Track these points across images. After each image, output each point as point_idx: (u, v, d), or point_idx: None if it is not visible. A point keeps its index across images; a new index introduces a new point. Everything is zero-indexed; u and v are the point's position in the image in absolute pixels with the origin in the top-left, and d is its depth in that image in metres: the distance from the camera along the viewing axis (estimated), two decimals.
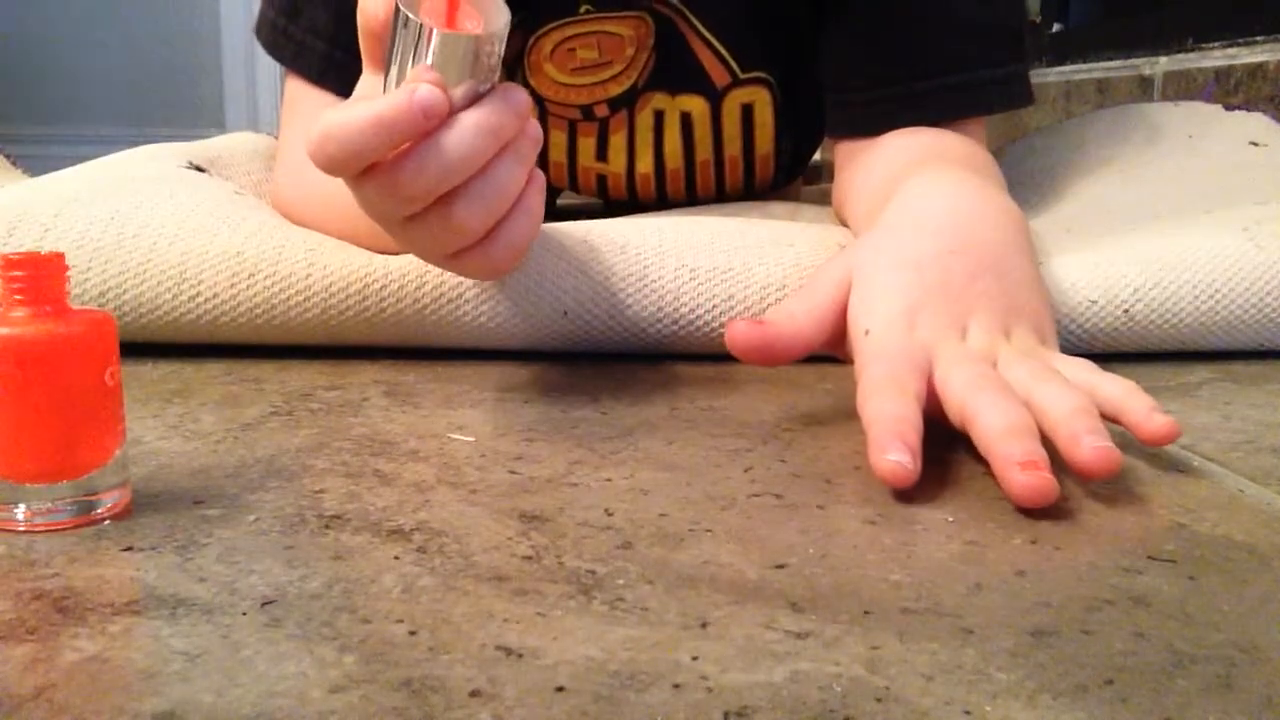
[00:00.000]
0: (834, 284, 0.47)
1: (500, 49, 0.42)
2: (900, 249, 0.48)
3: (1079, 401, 0.39)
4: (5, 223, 0.56)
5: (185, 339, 0.56)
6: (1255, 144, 0.77)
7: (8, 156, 0.92)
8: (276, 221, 0.59)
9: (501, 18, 0.42)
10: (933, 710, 0.24)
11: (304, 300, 0.55)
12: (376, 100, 0.39)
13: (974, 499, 0.37)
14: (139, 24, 3.12)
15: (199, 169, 0.69)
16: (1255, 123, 0.82)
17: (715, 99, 0.73)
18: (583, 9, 0.68)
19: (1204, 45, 1.03)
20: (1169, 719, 0.24)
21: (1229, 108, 0.88)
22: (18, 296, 0.34)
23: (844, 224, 0.66)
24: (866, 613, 0.29)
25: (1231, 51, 0.99)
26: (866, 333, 0.44)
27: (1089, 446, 0.37)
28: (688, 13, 0.69)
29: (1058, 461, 0.37)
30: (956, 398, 0.40)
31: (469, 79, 0.41)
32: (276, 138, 0.93)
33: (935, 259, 0.46)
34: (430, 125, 0.39)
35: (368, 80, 0.44)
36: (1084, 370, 0.43)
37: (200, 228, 0.56)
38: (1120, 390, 0.41)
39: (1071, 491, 0.38)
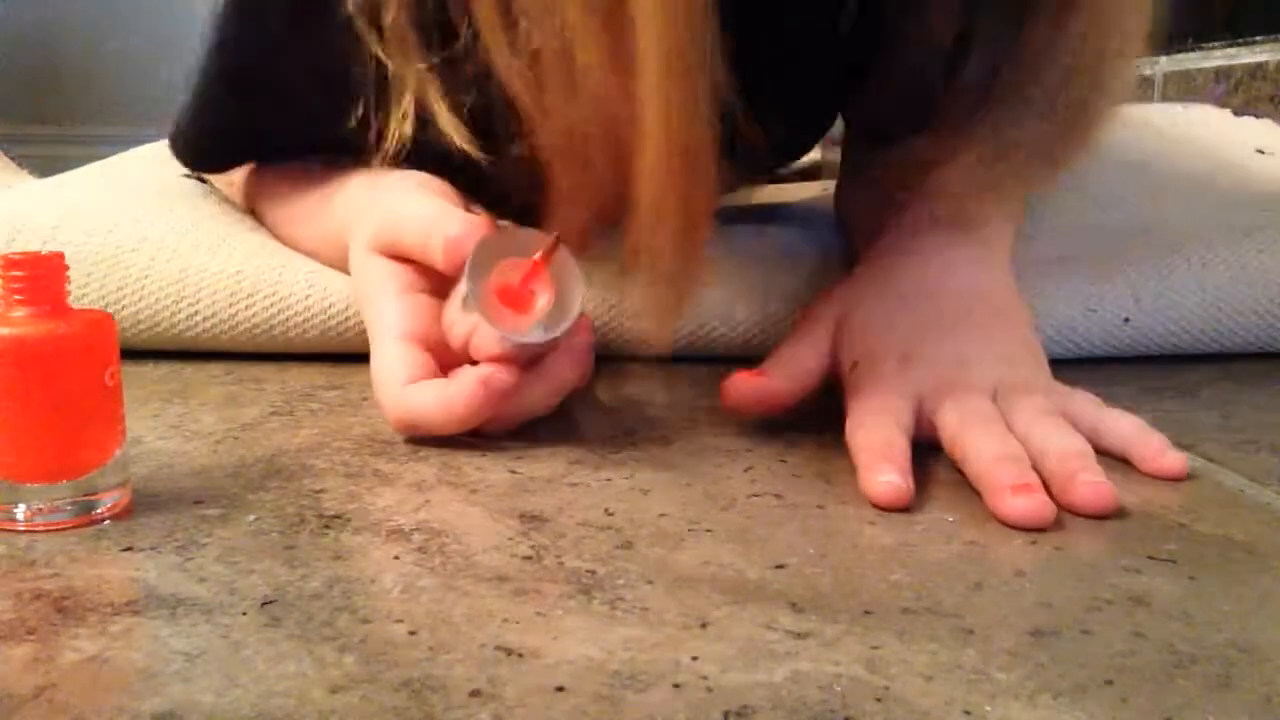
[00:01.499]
0: (825, 325, 0.47)
1: (566, 327, 0.42)
2: (889, 287, 0.48)
3: (1074, 443, 0.39)
4: (4, 234, 0.56)
5: (184, 349, 0.56)
6: (1262, 152, 0.77)
7: (12, 158, 0.92)
8: (276, 240, 0.59)
9: (574, 299, 0.42)
10: (933, 710, 0.24)
11: (303, 321, 0.55)
12: (452, 391, 0.41)
13: (974, 499, 0.37)
14: (139, 24, 3.12)
15: (200, 179, 0.69)
16: (1263, 129, 0.82)
17: None
18: None
19: (1204, 45, 1.03)
20: (1169, 719, 0.24)
21: (1238, 112, 0.88)
22: (18, 297, 0.34)
23: (841, 219, 0.65)
24: (866, 613, 0.29)
25: (1231, 51, 0.99)
26: (855, 365, 0.44)
27: (1083, 483, 0.37)
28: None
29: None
30: (949, 433, 0.40)
31: (533, 349, 0.42)
32: None
33: (927, 296, 0.47)
34: (507, 399, 0.41)
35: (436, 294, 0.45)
36: (1090, 406, 0.42)
37: (199, 245, 0.56)
38: (1129, 429, 0.41)
39: None
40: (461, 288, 0.41)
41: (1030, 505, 0.35)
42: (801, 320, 0.49)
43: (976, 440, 0.39)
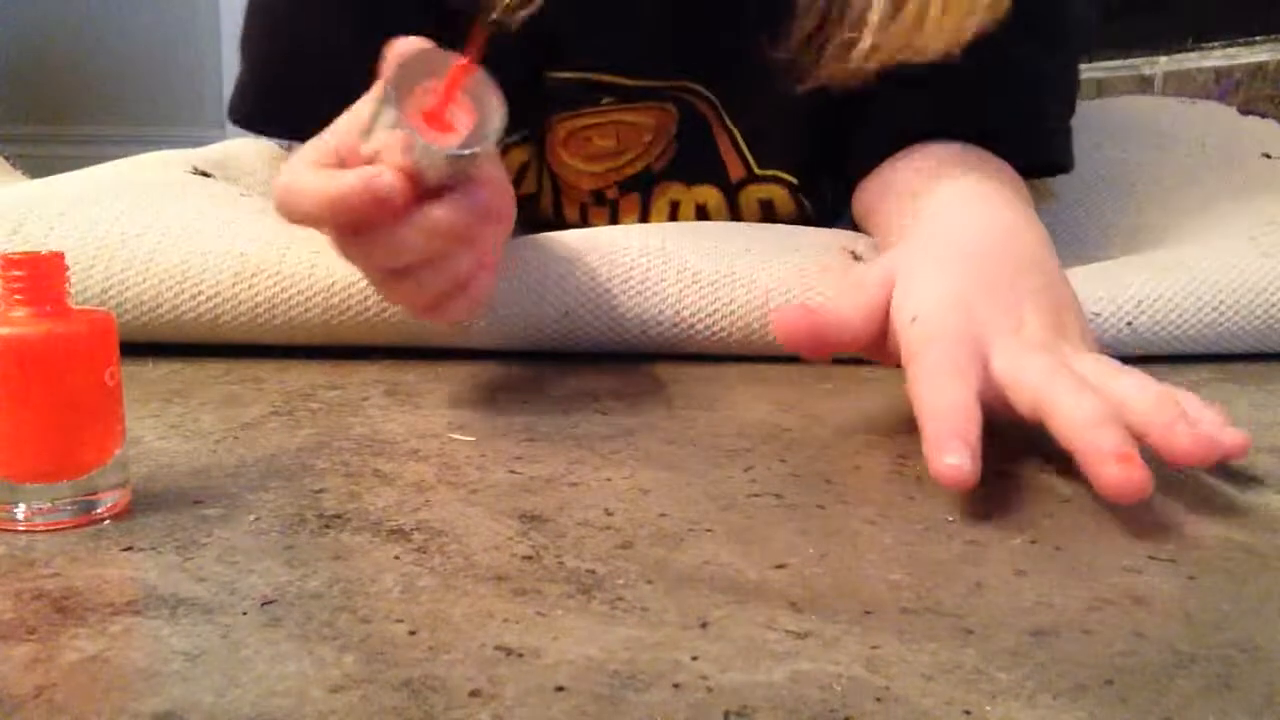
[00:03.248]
0: (878, 281, 0.46)
1: (488, 147, 0.41)
2: (942, 249, 0.48)
3: (1160, 391, 0.38)
4: (12, 219, 0.56)
5: (186, 338, 0.56)
6: (1268, 156, 0.77)
7: (6, 158, 0.92)
8: (281, 223, 0.59)
9: (492, 123, 0.40)
10: (933, 710, 0.24)
11: (305, 300, 0.55)
12: (336, 179, 0.40)
13: (974, 499, 0.37)
14: (139, 24, 3.12)
15: (204, 174, 0.69)
16: (1269, 132, 0.82)
17: (731, 192, 0.69)
18: (605, 100, 0.66)
19: (1204, 45, 1.03)
20: (1169, 719, 0.24)
21: (1244, 111, 0.88)
22: (18, 296, 0.34)
23: (867, 233, 0.64)
24: (866, 613, 0.29)
25: (1231, 51, 0.99)
26: (914, 320, 0.43)
27: (1185, 434, 0.36)
28: (718, 104, 0.67)
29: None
30: (1029, 387, 0.39)
31: (444, 172, 0.40)
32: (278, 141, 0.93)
33: (979, 256, 0.47)
34: (384, 211, 0.40)
35: (364, 103, 0.44)
36: (1127, 375, 0.41)
37: (204, 228, 0.56)
38: (1194, 402, 0.39)
39: (1071, 491, 0.38)
40: (377, 107, 0.41)
41: (1132, 476, 0.34)
42: (853, 277, 0.49)
43: (1065, 399, 0.38)
